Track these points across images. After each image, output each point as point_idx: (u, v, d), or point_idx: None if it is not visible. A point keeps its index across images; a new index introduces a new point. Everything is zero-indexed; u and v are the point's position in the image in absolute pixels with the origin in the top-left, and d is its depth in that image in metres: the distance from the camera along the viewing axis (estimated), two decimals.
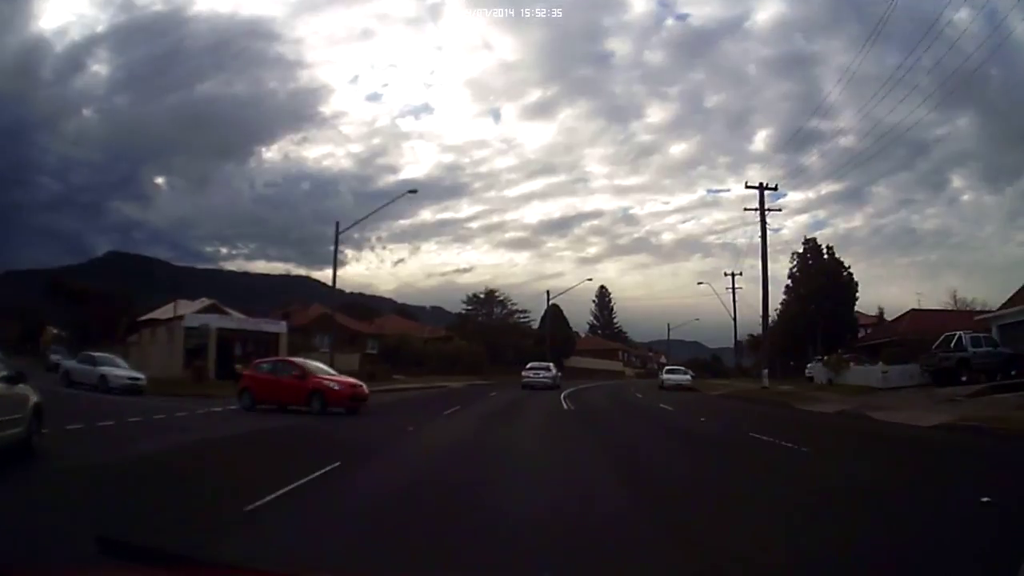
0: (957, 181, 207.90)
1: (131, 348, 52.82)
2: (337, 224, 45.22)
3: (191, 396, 30.21)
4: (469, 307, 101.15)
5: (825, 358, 48.23)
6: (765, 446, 16.09)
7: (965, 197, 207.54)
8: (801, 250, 66.34)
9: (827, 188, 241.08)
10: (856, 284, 64.10)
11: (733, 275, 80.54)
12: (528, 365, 50.78)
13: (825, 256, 64.73)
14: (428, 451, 14.31)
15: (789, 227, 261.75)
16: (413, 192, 48.06)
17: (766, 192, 47.84)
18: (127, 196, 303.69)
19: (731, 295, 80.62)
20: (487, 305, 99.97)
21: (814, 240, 66.56)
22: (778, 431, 18.71)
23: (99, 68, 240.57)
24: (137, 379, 32.14)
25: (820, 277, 62.05)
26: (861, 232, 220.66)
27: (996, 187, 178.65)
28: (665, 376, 54.24)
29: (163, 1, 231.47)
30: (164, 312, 59.04)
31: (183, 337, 46.94)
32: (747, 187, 48.70)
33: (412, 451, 14.11)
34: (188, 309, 57.29)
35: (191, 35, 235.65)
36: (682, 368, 59.64)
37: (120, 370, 32.75)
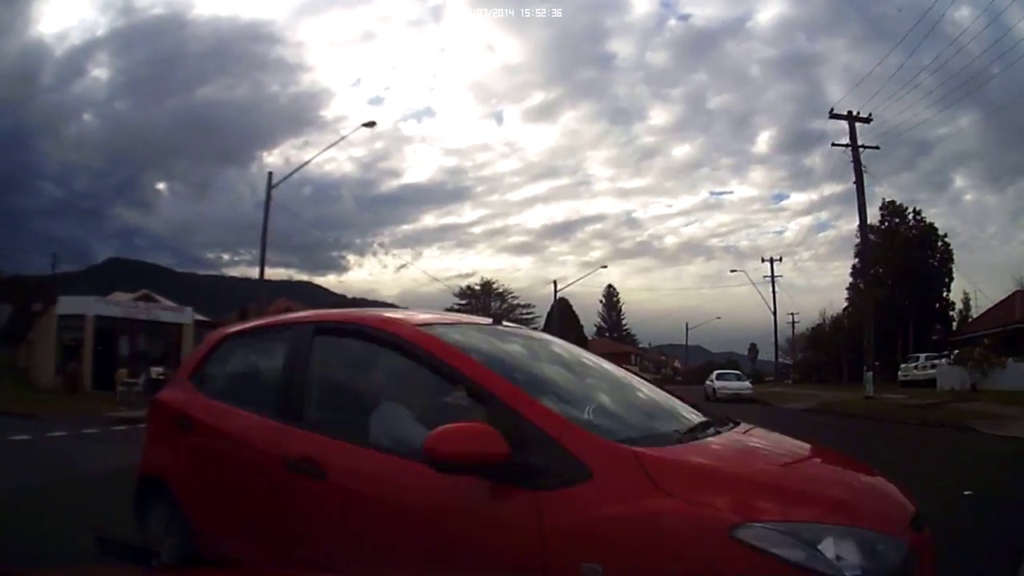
0: (960, 181, 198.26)
1: (30, 347, 42.14)
2: (270, 175, 35.73)
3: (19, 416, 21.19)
4: (462, 301, 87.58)
5: (957, 353, 35.15)
6: None
7: (968, 197, 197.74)
8: (878, 219, 52.69)
9: (830, 189, 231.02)
10: (952, 255, 50.50)
11: (772, 260, 67.98)
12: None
13: (911, 222, 51.33)
14: None
15: (792, 229, 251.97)
16: (370, 125, 36.44)
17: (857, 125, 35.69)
18: (128, 202, 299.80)
19: (770, 285, 68.25)
20: (483, 299, 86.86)
21: (893, 203, 52.76)
22: None
23: (100, 72, 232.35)
24: None
25: (906, 249, 48.78)
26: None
27: (998, 186, 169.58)
28: (717, 383, 41.07)
29: (163, 4, 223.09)
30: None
31: (56, 330, 35.21)
32: (832, 116, 36.22)
33: None
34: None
35: (192, 39, 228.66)
36: (737, 372, 46.64)
37: None
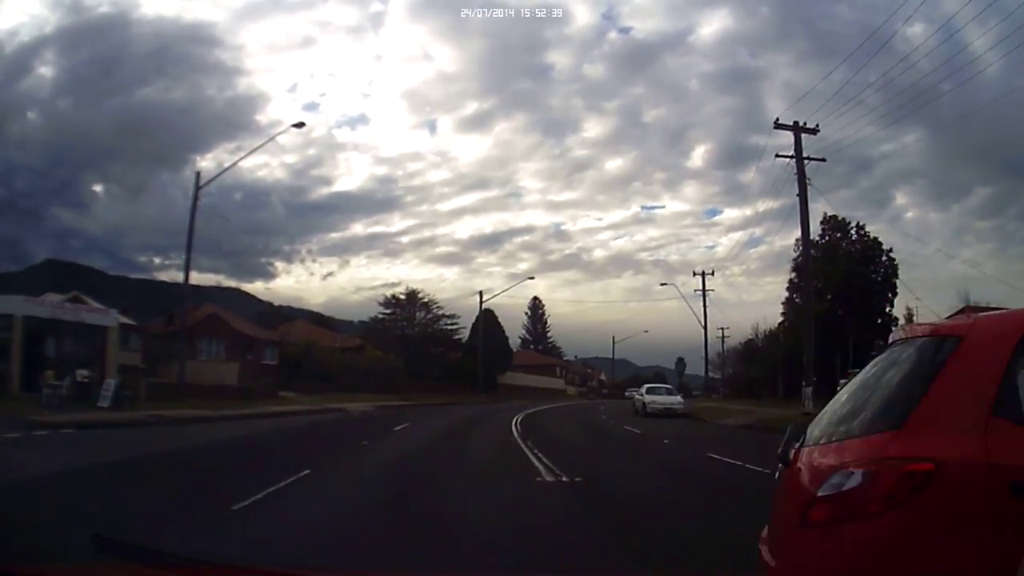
0: (901, 198, 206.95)
1: None
2: (198, 175, 38.66)
3: None
4: (387, 311, 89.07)
5: None
6: None
7: (909, 214, 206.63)
8: (819, 233, 55.48)
9: (764, 205, 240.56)
10: (896, 270, 53.80)
11: (704, 274, 70.82)
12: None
13: (853, 236, 54.42)
14: None
15: (724, 244, 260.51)
16: (299, 126, 38.72)
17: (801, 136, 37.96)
18: (66, 203, 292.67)
19: (701, 299, 71.04)
20: (408, 309, 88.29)
21: (835, 217, 55.94)
22: None
23: (45, 70, 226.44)
24: None
25: (848, 264, 51.81)
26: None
27: (942, 204, 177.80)
28: (648, 398, 42.54)
29: (110, 3, 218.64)
30: None
31: None
32: (777, 126, 38.35)
33: None
34: None
35: (135, 39, 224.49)
36: (667, 387, 48.96)
37: None
